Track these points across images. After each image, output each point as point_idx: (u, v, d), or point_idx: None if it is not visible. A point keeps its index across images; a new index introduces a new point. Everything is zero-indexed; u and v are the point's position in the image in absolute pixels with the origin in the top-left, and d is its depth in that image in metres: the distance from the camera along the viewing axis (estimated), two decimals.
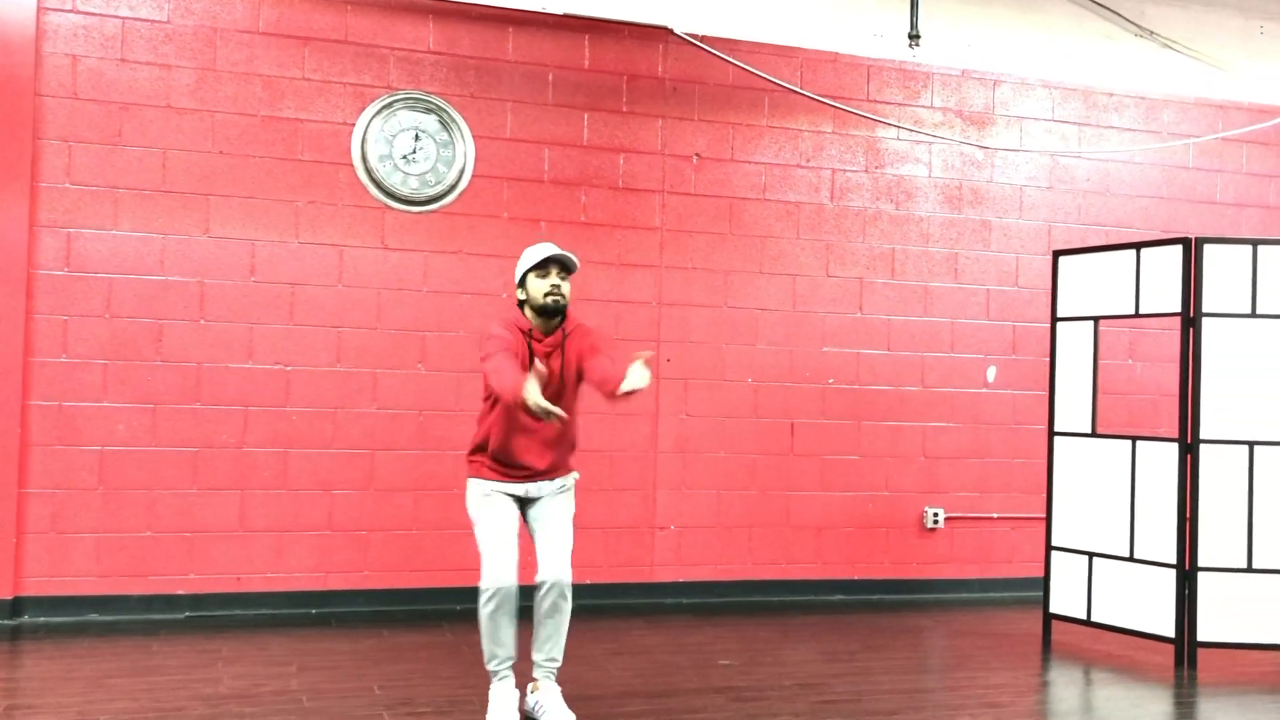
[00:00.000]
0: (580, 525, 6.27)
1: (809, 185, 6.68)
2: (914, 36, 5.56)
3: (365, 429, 5.89)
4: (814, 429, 6.65)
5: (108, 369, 5.56)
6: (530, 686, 4.11)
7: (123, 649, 4.98)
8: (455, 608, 5.83)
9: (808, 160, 6.68)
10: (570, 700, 4.16)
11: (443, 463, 5.93)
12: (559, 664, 4.11)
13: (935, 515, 6.81)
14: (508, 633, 3.96)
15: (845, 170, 6.75)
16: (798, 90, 6.56)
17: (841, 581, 6.68)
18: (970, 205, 6.98)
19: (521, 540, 4.11)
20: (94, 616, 5.51)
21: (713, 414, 6.48)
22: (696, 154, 6.48)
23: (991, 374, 6.96)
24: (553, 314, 4.05)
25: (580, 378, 4.13)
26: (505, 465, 4.08)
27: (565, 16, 6.22)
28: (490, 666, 4.02)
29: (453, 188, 6.03)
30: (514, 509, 4.11)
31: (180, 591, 5.65)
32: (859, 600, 6.61)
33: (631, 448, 6.34)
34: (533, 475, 4.11)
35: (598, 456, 6.25)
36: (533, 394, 3.62)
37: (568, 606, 4.04)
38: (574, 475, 4.33)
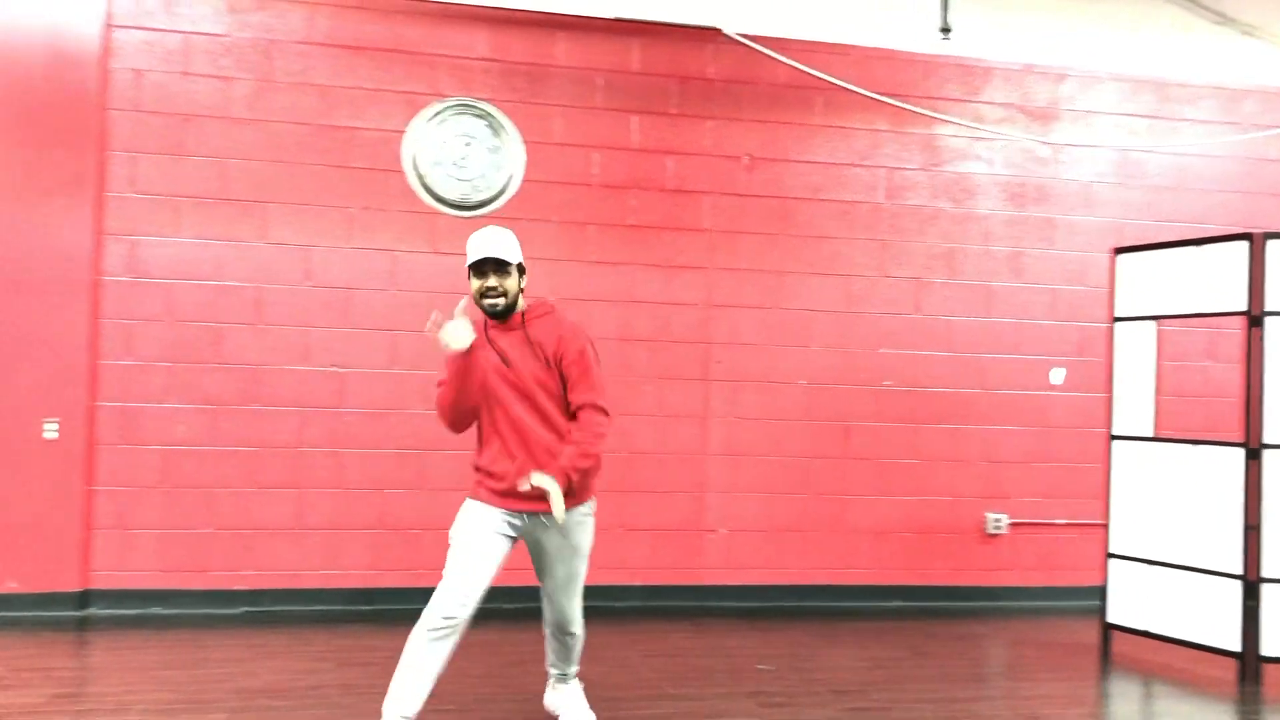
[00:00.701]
0: (628, 527, 6.35)
1: (864, 184, 6.58)
2: (945, 30, 5.42)
3: (417, 430, 5.99)
4: (870, 432, 6.54)
5: (170, 371, 5.77)
6: (549, 683, 4.12)
7: (177, 642, 5.15)
8: (503, 606, 5.87)
9: (863, 159, 6.58)
10: (596, 701, 4.17)
11: None
12: (575, 670, 4.07)
13: (997, 521, 6.64)
14: (433, 674, 3.55)
15: (902, 168, 6.63)
16: (852, 88, 6.47)
17: (899, 587, 6.56)
18: (1034, 202, 6.78)
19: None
20: (156, 610, 5.71)
21: (764, 416, 6.43)
22: (747, 154, 6.43)
23: (1058, 376, 6.76)
24: (495, 316, 3.68)
25: (561, 380, 3.67)
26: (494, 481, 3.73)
27: (615, 20, 6.25)
28: (390, 714, 3.53)
29: (501, 192, 6.10)
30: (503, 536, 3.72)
31: (238, 587, 5.83)
32: (916, 607, 6.48)
33: (680, 450, 6.32)
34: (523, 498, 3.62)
35: (646, 459, 6.25)
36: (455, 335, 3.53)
37: (578, 641, 3.98)
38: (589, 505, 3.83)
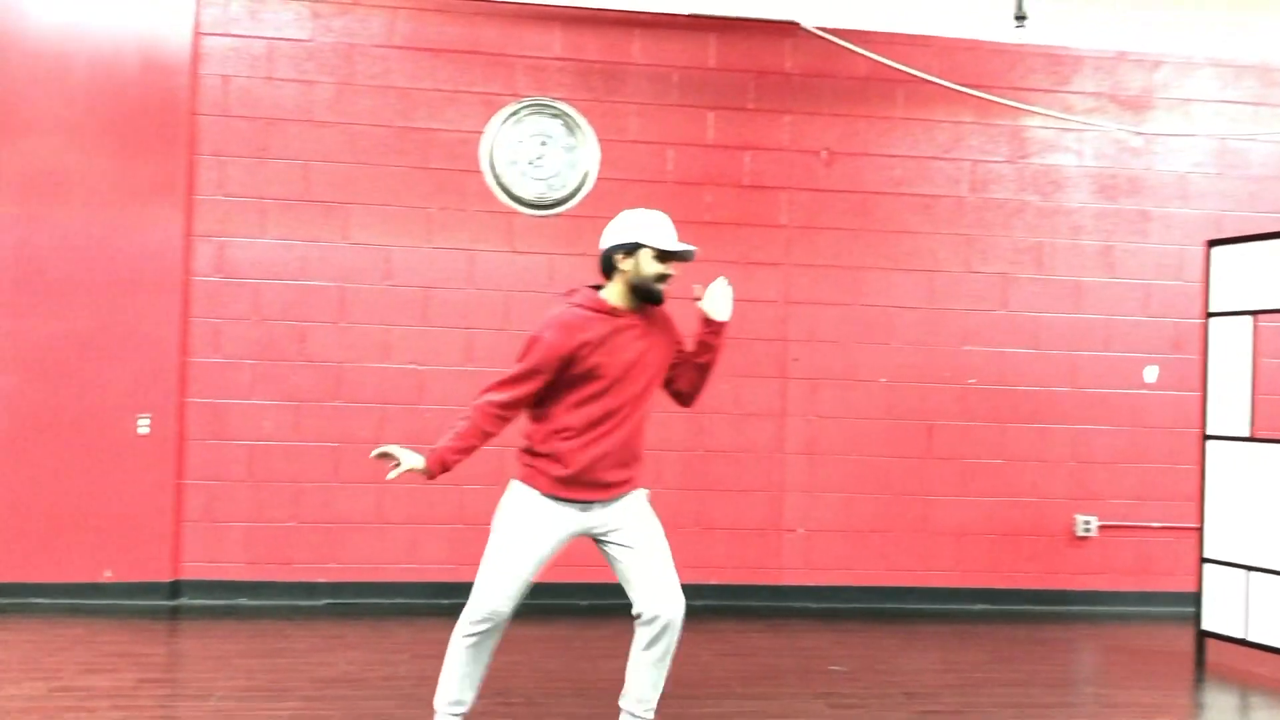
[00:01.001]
0: (705, 526, 6.32)
1: (947, 178, 6.43)
2: (1020, 18, 5.26)
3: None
4: (953, 431, 6.40)
5: (256, 368, 5.92)
6: None
7: (260, 631, 5.29)
8: (580, 603, 5.91)
9: (946, 152, 6.43)
10: (665, 698, 4.14)
11: None
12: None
13: (1087, 523, 6.43)
14: (481, 671, 3.52)
15: (987, 161, 6.46)
16: (935, 80, 6.34)
17: (983, 590, 6.40)
18: (1126, 195, 6.55)
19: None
20: (243, 601, 5.87)
21: (843, 415, 6.33)
22: (826, 149, 6.35)
23: (1151, 374, 6.52)
24: (655, 301, 3.55)
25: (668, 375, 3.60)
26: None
27: (692, 17, 6.22)
28: (444, 710, 3.50)
29: (577, 191, 6.13)
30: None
31: (321, 579, 5.96)
32: (1002, 610, 6.31)
33: (757, 449, 6.26)
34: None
35: (723, 457, 6.22)
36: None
37: (672, 650, 3.52)
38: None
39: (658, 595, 3.42)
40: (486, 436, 3.47)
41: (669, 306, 3.65)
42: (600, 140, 6.16)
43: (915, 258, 6.40)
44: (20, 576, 5.69)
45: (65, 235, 5.74)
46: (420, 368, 6.04)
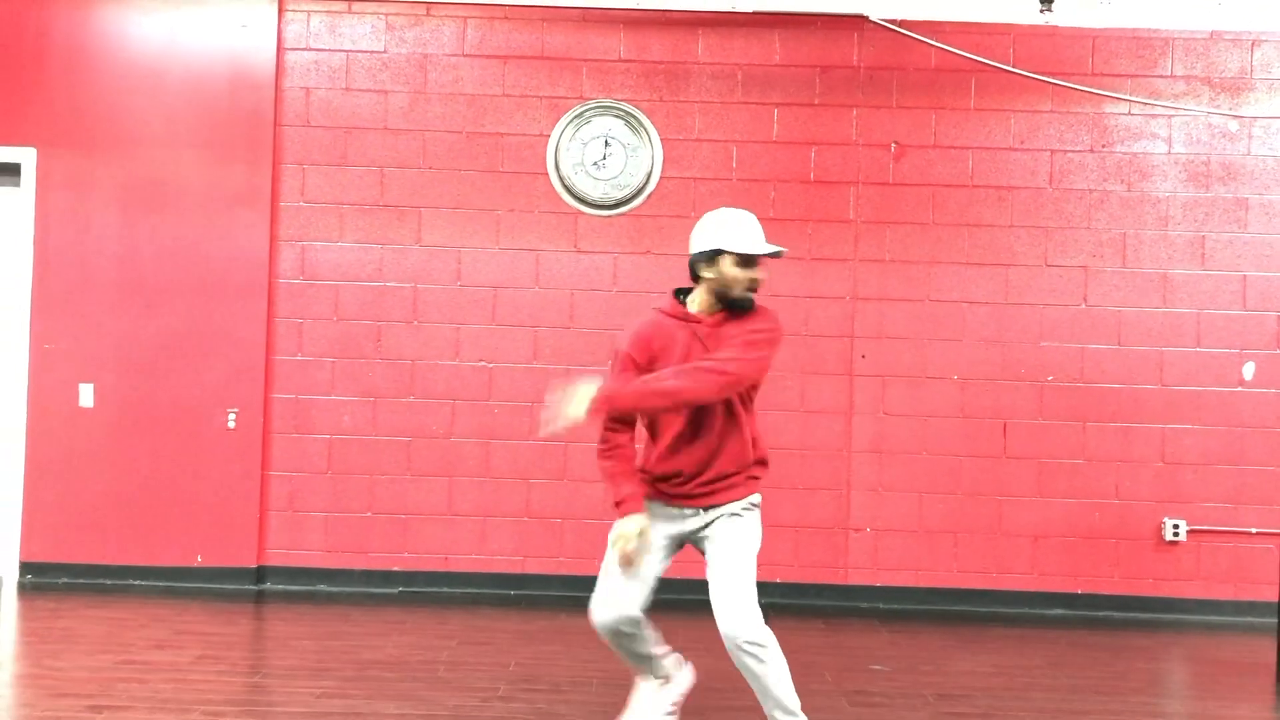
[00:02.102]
0: (769, 524, 6.27)
1: (1024, 169, 6.25)
2: (1046, 1, 5.07)
3: None
4: (1030, 430, 6.21)
5: (335, 366, 6.22)
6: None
7: (329, 615, 5.56)
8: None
9: (1022, 142, 6.25)
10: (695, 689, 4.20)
11: None
12: None
13: (1175, 527, 6.14)
14: (637, 646, 3.63)
15: (1066, 151, 6.24)
16: (1009, 69, 6.17)
17: (1062, 595, 6.18)
18: (1221, 182, 6.23)
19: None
20: (322, 587, 6.18)
21: (913, 413, 6.22)
22: (895, 142, 6.25)
23: (1249, 371, 6.17)
24: (744, 308, 3.46)
25: None
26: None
27: (756, 14, 6.23)
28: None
29: (640, 190, 6.21)
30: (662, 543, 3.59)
31: (395, 568, 6.21)
32: (1080, 616, 6.09)
33: (823, 446, 6.21)
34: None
35: (788, 455, 6.19)
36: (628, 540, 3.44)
37: (763, 665, 3.44)
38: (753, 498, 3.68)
39: (718, 612, 3.42)
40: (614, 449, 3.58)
41: (774, 305, 3.65)
42: (664, 139, 6.23)
43: (989, 251, 6.24)
44: (122, 559, 6.13)
45: (163, 241, 6.16)
46: (489, 365, 6.23)
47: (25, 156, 6.12)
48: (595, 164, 6.20)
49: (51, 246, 6.15)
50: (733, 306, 3.44)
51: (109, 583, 6.09)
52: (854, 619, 5.88)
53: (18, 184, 6.16)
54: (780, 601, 6.13)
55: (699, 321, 3.46)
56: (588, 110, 6.22)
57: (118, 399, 6.15)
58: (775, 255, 3.45)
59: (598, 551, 6.13)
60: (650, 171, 6.21)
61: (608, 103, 6.23)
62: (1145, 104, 6.22)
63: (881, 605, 6.17)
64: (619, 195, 6.21)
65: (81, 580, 6.10)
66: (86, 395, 6.13)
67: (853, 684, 4.56)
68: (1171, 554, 6.18)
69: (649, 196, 6.22)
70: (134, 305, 6.15)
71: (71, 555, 6.12)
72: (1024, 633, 5.68)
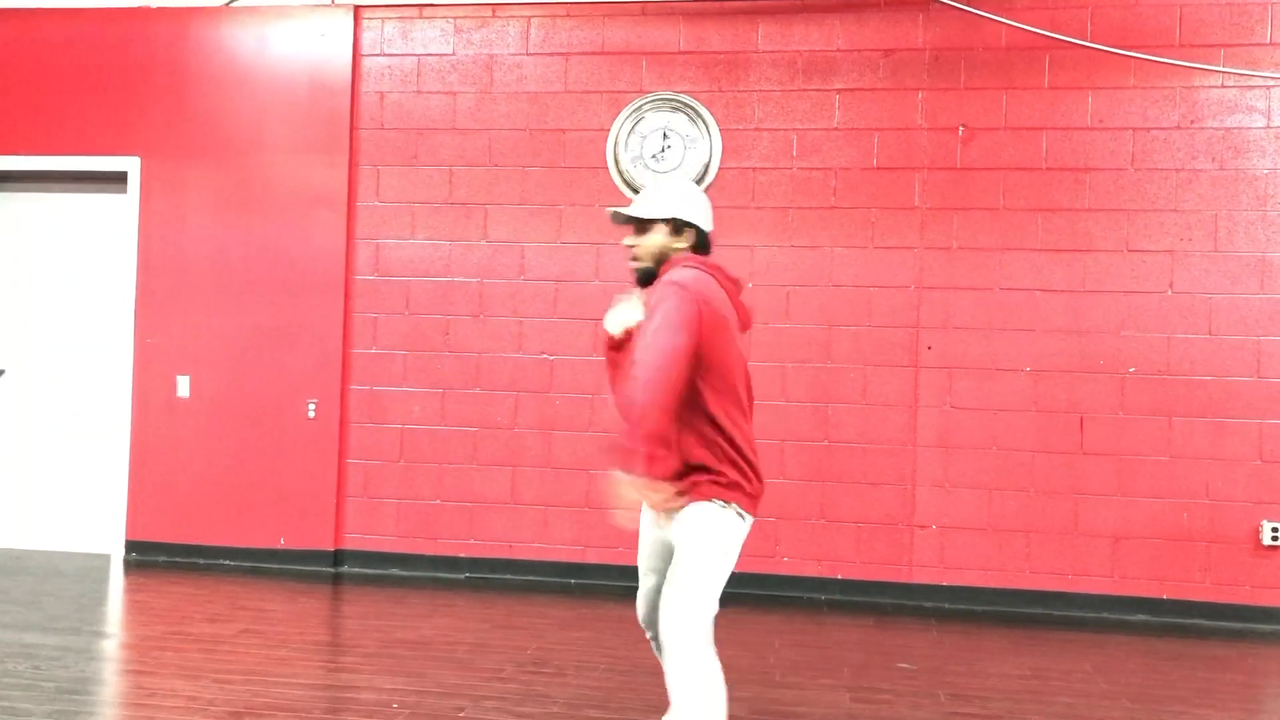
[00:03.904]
0: (830, 518, 6.16)
1: (1103, 149, 5.91)
2: None
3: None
4: (1110, 424, 5.86)
5: (407, 359, 6.46)
6: None
7: (383, 599, 5.77)
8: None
9: (1101, 121, 5.91)
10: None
11: None
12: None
13: (1275, 531, 5.68)
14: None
15: (1150, 129, 5.87)
16: (1087, 44, 5.85)
17: (1145, 600, 5.81)
18: None
19: None
20: (395, 571, 6.42)
21: (982, 406, 5.97)
22: (962, 125, 6.02)
23: None
24: (641, 281, 3.15)
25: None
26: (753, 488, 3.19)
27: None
28: None
29: (698, 182, 6.19)
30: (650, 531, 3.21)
31: (462, 554, 6.40)
32: (1165, 623, 5.71)
33: (887, 441, 6.04)
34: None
35: (849, 450, 6.05)
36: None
37: (672, 663, 2.94)
38: (701, 504, 3.00)
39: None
40: None
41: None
42: (723, 130, 6.19)
43: (1065, 237, 5.93)
44: (214, 540, 6.54)
45: (250, 241, 6.54)
46: (550, 357, 6.33)
47: (131, 165, 6.62)
48: (654, 157, 6.23)
49: (154, 248, 6.62)
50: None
51: (202, 562, 6.51)
52: (912, 618, 5.69)
53: (124, 190, 6.66)
54: (840, 598, 6.01)
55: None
56: (646, 104, 6.25)
57: (210, 390, 6.56)
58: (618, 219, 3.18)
59: None
60: (709, 163, 6.19)
61: (667, 95, 6.24)
62: (1241, 74, 5.79)
63: (947, 605, 5.95)
64: None
65: (179, 559, 6.54)
66: (183, 386, 6.57)
67: (867, 680, 4.42)
68: (1271, 559, 5.72)
69: (707, 188, 6.20)
70: (225, 302, 6.55)
71: (170, 535, 6.57)
72: (1094, 637, 5.36)
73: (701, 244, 3.16)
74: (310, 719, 3.74)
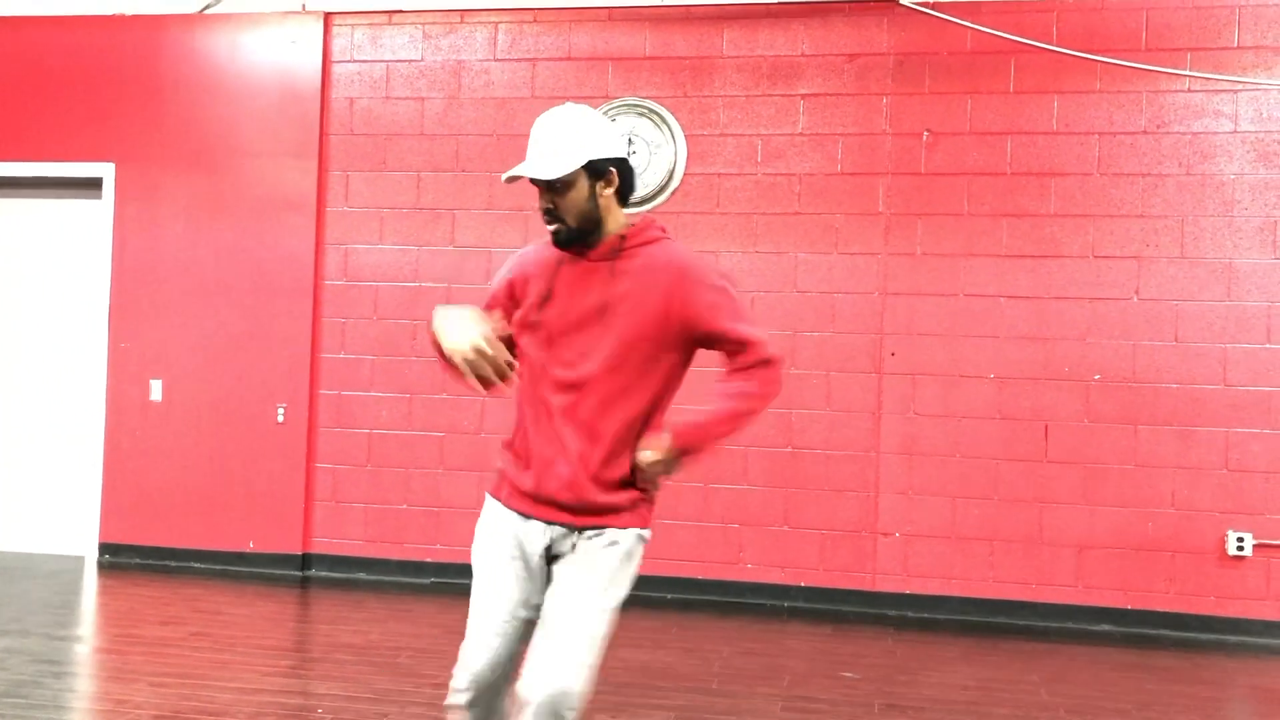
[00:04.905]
0: (793, 525, 6.13)
1: (1068, 154, 5.85)
2: None
3: None
4: (1075, 432, 5.80)
5: (374, 364, 6.48)
6: None
7: (343, 603, 5.79)
8: (665, 596, 5.94)
9: (1066, 125, 5.86)
10: (633, 683, 4.18)
11: None
12: None
13: (1241, 541, 5.60)
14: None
15: (1116, 133, 5.81)
16: (1052, 48, 5.80)
17: (1110, 610, 5.75)
18: None
19: None
20: (361, 575, 6.44)
21: (946, 413, 5.93)
22: (927, 130, 5.98)
23: None
24: (559, 244, 2.59)
25: (686, 339, 2.57)
26: (517, 480, 2.62)
27: (782, 4, 6.10)
28: None
29: (663, 188, 6.18)
30: (518, 558, 2.58)
31: (428, 559, 6.41)
32: (1129, 633, 5.64)
33: (850, 446, 6.00)
34: (557, 509, 2.55)
35: (813, 456, 6.02)
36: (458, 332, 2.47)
37: None
38: (634, 532, 2.58)
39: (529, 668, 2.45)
40: None
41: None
42: (688, 135, 6.18)
43: (1029, 243, 5.88)
44: (185, 543, 6.58)
45: (222, 247, 6.59)
46: (515, 363, 6.33)
47: (105, 171, 6.68)
48: None
49: (128, 253, 6.68)
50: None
51: (173, 564, 6.56)
52: (873, 626, 5.66)
53: (99, 196, 6.73)
54: (803, 605, 5.98)
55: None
56: (612, 109, 6.24)
57: (183, 394, 6.61)
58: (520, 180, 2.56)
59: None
60: (673, 169, 6.18)
61: (632, 101, 6.24)
62: (1207, 78, 5.72)
63: (910, 614, 5.90)
64: (642, 193, 6.18)
65: (151, 561, 6.60)
66: (156, 390, 6.63)
67: (804, 690, 4.40)
68: (1236, 570, 5.64)
69: (672, 193, 6.19)
70: (197, 306, 6.60)
71: (143, 538, 6.63)
72: (1054, 648, 5.31)
73: (628, 183, 2.63)
74: None
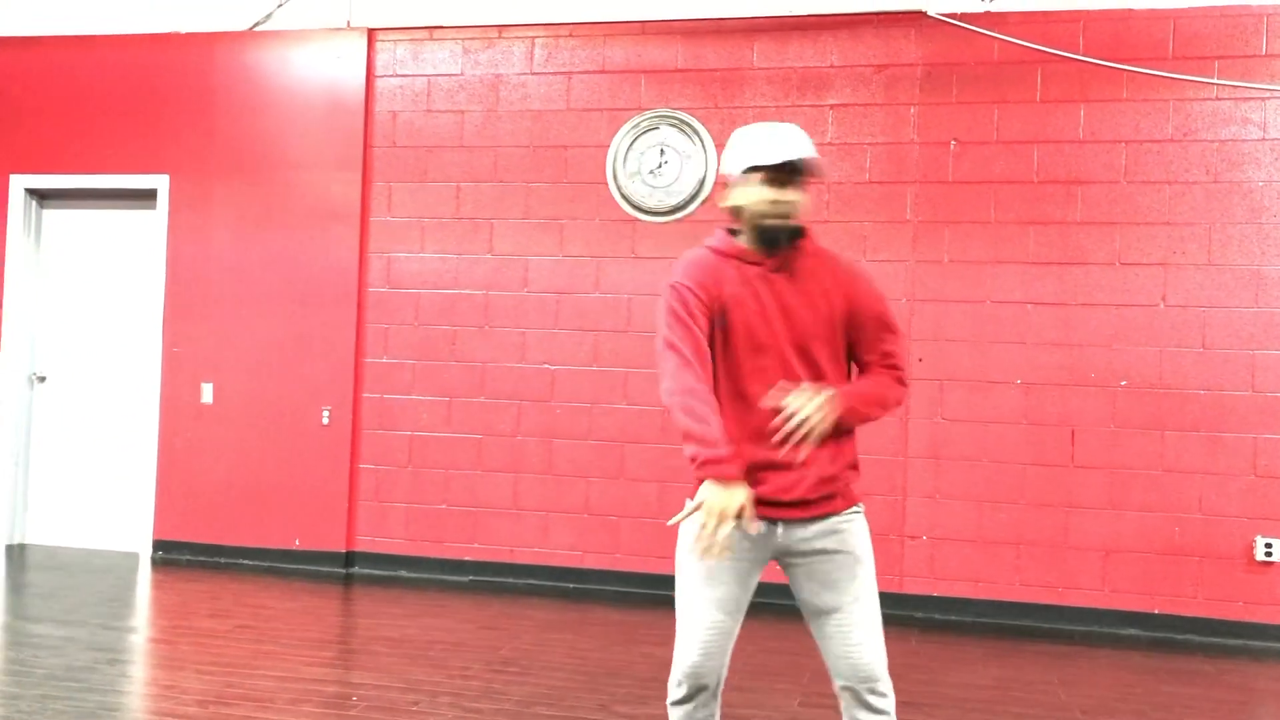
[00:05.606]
0: None
1: (1095, 162, 5.91)
2: None
3: (618, 423, 6.40)
4: (1102, 437, 5.85)
5: (415, 368, 6.70)
6: None
7: (384, 599, 6.00)
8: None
9: (1093, 134, 5.92)
10: (646, 680, 4.31)
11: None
12: None
13: (1269, 546, 5.62)
14: None
15: (1143, 141, 5.86)
16: (1079, 57, 5.87)
17: (1136, 614, 5.79)
18: None
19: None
20: (403, 573, 6.65)
21: (973, 418, 6.01)
22: (954, 139, 6.07)
23: None
24: (773, 242, 2.60)
25: (845, 334, 2.69)
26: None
27: (811, 16, 6.23)
28: None
29: (694, 197, 6.33)
30: (746, 565, 2.59)
31: (466, 558, 6.61)
32: (1156, 638, 5.68)
33: (878, 451, 6.10)
34: (780, 508, 2.55)
35: None
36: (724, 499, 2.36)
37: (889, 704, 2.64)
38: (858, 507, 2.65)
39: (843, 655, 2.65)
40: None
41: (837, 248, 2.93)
42: (718, 146, 6.32)
43: (1056, 250, 5.94)
44: (234, 540, 6.84)
45: (270, 255, 6.85)
46: (551, 367, 6.52)
47: (160, 183, 6.97)
48: (651, 172, 6.39)
49: (181, 261, 6.96)
50: (765, 243, 2.61)
51: (223, 561, 6.82)
52: (899, 628, 5.74)
53: (154, 207, 7.02)
54: None
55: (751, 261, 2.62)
56: (644, 120, 6.41)
57: (232, 397, 6.87)
58: (792, 168, 2.52)
59: (650, 550, 6.31)
60: (704, 178, 6.33)
61: (664, 112, 6.39)
62: (1235, 86, 5.75)
63: (937, 616, 5.99)
64: (673, 202, 6.36)
65: (202, 557, 6.86)
66: (208, 393, 6.90)
67: (823, 687, 4.50)
68: (1264, 575, 5.66)
69: (703, 202, 6.34)
70: (247, 312, 6.86)
71: (194, 535, 6.90)
72: (1079, 650, 5.37)
73: None
74: (272, 709, 3.96)
